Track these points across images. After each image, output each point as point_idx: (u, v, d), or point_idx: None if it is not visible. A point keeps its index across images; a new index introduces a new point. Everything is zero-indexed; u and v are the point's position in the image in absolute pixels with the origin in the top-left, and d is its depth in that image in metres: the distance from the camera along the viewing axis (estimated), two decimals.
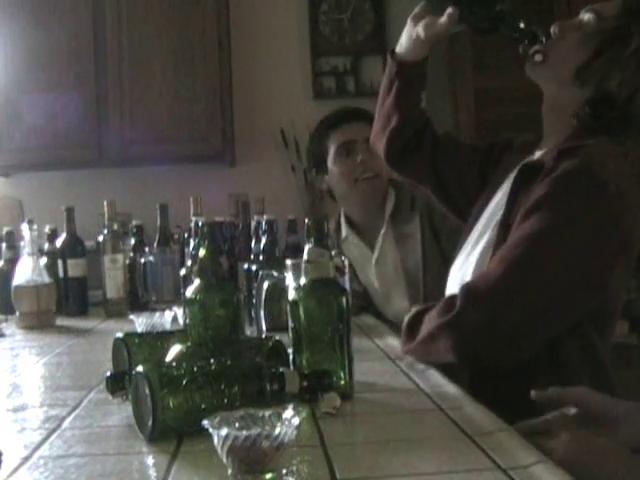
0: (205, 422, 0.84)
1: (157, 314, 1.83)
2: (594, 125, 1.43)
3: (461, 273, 1.55)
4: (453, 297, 1.38)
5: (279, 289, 1.60)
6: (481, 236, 1.53)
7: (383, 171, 2.35)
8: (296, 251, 1.92)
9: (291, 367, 1.18)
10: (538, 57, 1.47)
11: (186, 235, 2.26)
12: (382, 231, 2.42)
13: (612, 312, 1.46)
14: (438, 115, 3.35)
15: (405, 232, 2.40)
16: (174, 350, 1.18)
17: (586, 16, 1.44)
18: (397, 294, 2.41)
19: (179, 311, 1.72)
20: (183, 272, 2.07)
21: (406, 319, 1.48)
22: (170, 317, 1.80)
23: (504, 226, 1.44)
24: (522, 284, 1.34)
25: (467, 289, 1.37)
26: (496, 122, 3.52)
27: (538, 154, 1.52)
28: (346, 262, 1.56)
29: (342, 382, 1.17)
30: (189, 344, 1.19)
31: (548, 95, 1.52)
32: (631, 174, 1.43)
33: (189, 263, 1.93)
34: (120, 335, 1.31)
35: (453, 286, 1.56)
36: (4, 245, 2.62)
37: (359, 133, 2.37)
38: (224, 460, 0.84)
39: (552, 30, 1.45)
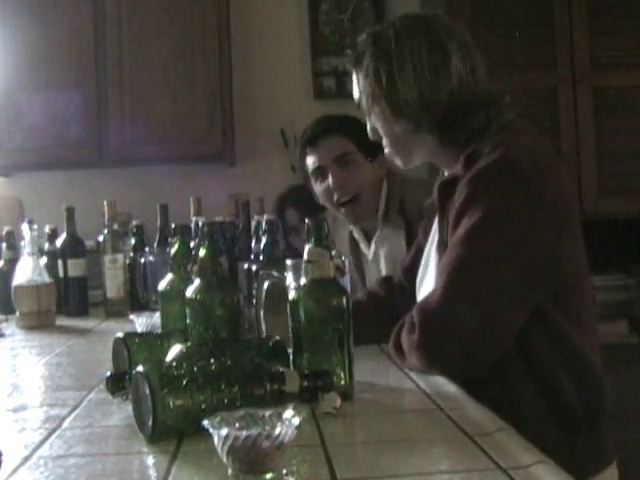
0: (205, 422, 0.84)
1: (157, 314, 1.82)
2: (464, 134, 1.48)
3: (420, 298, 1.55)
4: (412, 319, 1.37)
5: (279, 289, 1.60)
6: (427, 260, 1.58)
7: (363, 186, 2.31)
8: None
9: (291, 367, 1.18)
10: (393, 160, 1.61)
11: None
12: (376, 234, 2.40)
13: (572, 289, 1.43)
14: None
15: (392, 237, 2.38)
16: (174, 350, 1.18)
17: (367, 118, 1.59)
18: None
19: None
20: None
21: (391, 338, 1.45)
22: None
23: (443, 244, 1.46)
24: (466, 288, 1.33)
25: (419, 310, 1.37)
26: None
27: (447, 173, 1.55)
28: (347, 262, 1.56)
29: (342, 382, 1.17)
30: (189, 344, 1.19)
31: (427, 158, 1.60)
32: (543, 147, 1.46)
33: None
34: (120, 335, 1.31)
35: None
36: (4, 245, 2.62)
37: (327, 155, 2.32)
38: (224, 460, 0.84)
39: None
